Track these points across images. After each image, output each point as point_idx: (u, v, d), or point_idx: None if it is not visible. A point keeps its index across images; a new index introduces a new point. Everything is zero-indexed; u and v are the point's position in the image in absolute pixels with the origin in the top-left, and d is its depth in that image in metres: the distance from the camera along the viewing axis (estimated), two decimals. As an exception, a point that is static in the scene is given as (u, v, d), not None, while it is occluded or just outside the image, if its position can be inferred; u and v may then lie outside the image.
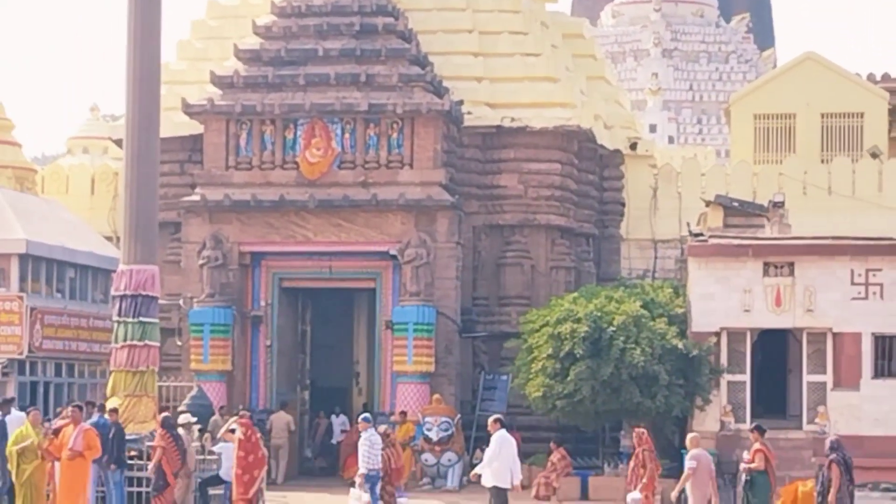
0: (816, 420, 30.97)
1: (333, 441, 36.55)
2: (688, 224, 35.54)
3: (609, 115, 39.65)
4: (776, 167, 39.18)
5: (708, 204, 34.47)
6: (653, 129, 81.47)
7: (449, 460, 33.03)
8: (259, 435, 25.10)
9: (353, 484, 24.52)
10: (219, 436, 25.24)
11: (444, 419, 33.07)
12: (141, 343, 28.44)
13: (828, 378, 31.14)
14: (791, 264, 31.31)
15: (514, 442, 23.47)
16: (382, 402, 34.99)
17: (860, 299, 31.03)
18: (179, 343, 35.24)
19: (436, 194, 34.51)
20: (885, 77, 42.43)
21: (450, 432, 32.94)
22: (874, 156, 39.49)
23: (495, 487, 22.72)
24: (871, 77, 42.06)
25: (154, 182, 29.31)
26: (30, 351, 34.27)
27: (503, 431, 23.02)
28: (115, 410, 26.97)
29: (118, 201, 36.95)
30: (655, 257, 39.25)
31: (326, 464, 36.20)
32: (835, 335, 31.09)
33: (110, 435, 26.08)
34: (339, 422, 36.68)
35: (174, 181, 36.92)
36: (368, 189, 34.76)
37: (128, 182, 28.99)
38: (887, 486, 30.32)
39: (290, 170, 35.36)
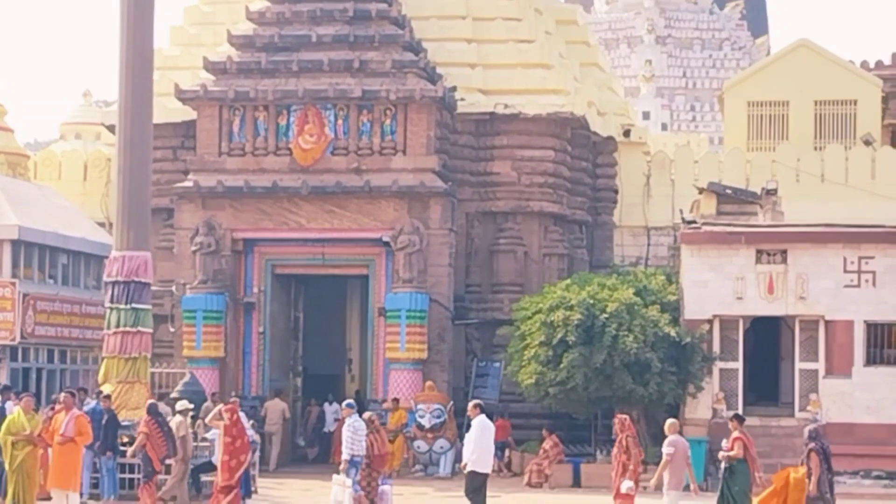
0: (808, 407, 31.02)
1: (326, 429, 36.51)
2: (681, 211, 35.55)
3: (602, 101, 39.62)
4: (769, 154, 39.18)
5: (701, 191, 34.47)
6: (646, 116, 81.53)
7: (441, 447, 33.04)
8: (241, 419, 25.06)
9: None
10: (206, 421, 25.23)
11: (436, 406, 33.09)
12: (133, 329, 28.49)
13: (820, 365, 31.20)
14: (784, 252, 31.36)
15: (493, 427, 23.45)
16: (375, 389, 35.00)
17: (853, 287, 31.08)
18: (172, 329, 35.24)
19: (429, 181, 34.49)
20: (879, 64, 42.39)
21: (442, 419, 32.97)
22: (867, 143, 39.48)
23: (473, 472, 22.72)
24: (864, 64, 42.03)
25: (147, 168, 29.31)
26: (22, 337, 34.25)
27: (483, 416, 23.05)
28: (108, 397, 26.99)
29: (111, 187, 36.89)
30: (648, 244, 39.26)
31: (318, 452, 36.17)
32: (827, 323, 31.15)
33: (103, 421, 26.13)
34: (332, 410, 36.62)
35: (167, 167, 36.87)
36: (361, 175, 34.73)
37: (121, 168, 28.98)
38: (879, 474, 30.42)
39: (283, 156, 35.33)
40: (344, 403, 25.46)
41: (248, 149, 35.48)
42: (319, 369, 38.51)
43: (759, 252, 31.40)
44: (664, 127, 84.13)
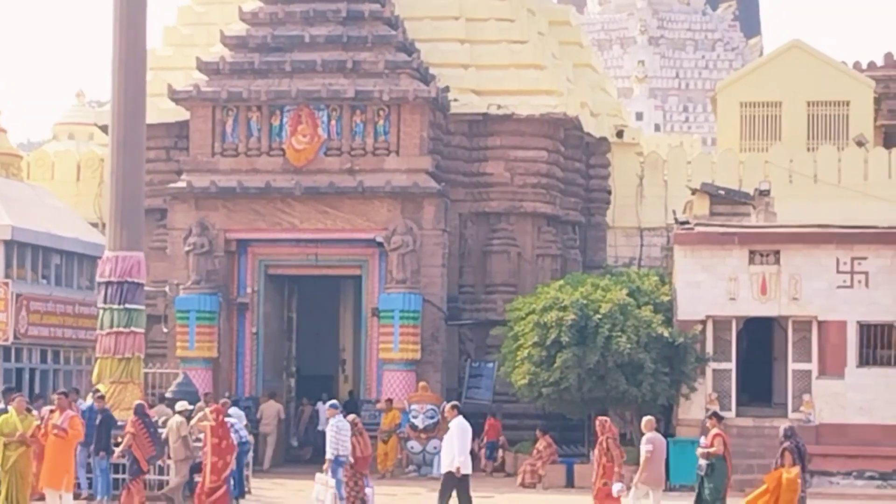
0: (801, 408, 31.04)
1: (320, 428, 36.47)
2: (674, 212, 35.57)
3: (595, 102, 39.66)
4: (762, 155, 39.23)
5: (694, 192, 34.49)
6: (639, 116, 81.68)
7: (434, 448, 32.95)
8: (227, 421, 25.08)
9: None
10: (191, 424, 25.25)
11: (429, 407, 33.09)
12: (127, 330, 28.47)
13: (813, 366, 31.21)
14: (777, 252, 31.37)
15: (469, 429, 23.44)
16: (368, 390, 35.01)
17: (845, 287, 31.09)
18: (165, 330, 35.21)
19: (422, 181, 34.50)
20: (871, 65, 42.45)
21: (435, 420, 32.95)
22: (860, 144, 39.54)
23: (449, 472, 22.75)
24: (856, 65, 42.09)
25: (140, 168, 29.30)
26: (15, 337, 34.23)
27: (461, 418, 23.09)
28: (101, 397, 26.96)
29: (104, 188, 36.87)
30: (641, 245, 39.28)
31: (313, 452, 36.14)
32: (820, 323, 31.16)
33: (97, 422, 26.10)
34: (325, 409, 36.57)
35: (160, 168, 36.85)
36: (354, 176, 34.73)
37: (114, 168, 28.97)
38: (872, 475, 30.45)
39: (276, 156, 35.32)
40: (328, 404, 25.48)
41: (241, 149, 35.46)
42: (313, 370, 38.50)
43: (751, 253, 31.41)
44: (657, 128, 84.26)
